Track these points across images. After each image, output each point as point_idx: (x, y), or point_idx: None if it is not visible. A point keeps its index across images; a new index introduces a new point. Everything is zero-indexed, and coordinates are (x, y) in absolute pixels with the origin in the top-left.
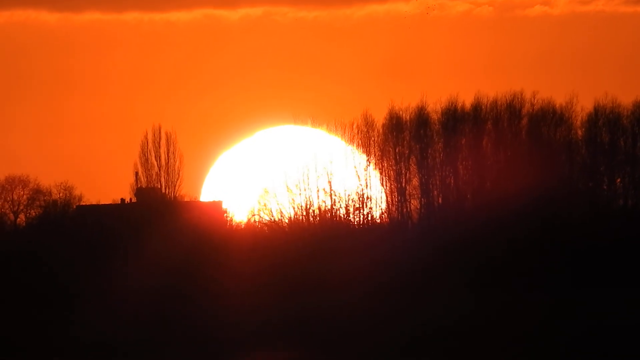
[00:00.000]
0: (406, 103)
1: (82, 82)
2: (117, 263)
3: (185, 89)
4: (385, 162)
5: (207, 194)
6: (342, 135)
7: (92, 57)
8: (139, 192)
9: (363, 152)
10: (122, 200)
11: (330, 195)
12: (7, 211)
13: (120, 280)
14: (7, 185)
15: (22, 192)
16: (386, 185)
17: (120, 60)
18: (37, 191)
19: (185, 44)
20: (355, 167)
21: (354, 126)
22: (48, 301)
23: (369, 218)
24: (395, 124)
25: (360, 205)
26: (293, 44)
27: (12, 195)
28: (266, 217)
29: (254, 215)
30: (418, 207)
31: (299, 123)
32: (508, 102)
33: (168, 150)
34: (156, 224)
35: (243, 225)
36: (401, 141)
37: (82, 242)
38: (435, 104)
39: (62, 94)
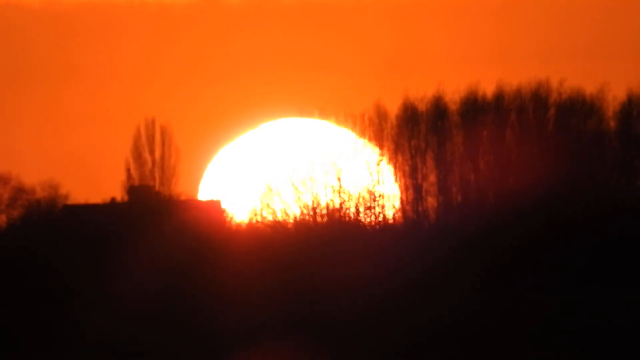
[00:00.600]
0: (422, 92)
1: (68, 72)
2: (108, 267)
3: (182, 79)
4: (399, 156)
5: (205, 192)
6: (352, 128)
7: (79, 45)
8: (131, 190)
9: (375, 145)
10: (113, 199)
11: (339, 192)
12: None
13: (111, 285)
14: None
15: (2, 191)
16: (400, 182)
17: (110, 48)
18: (20, 190)
19: (182, 30)
20: (366, 162)
21: (365, 118)
22: (32, 309)
23: (382, 218)
24: (410, 115)
25: (372, 204)
26: (300, 29)
27: None
28: (269, 217)
29: (255, 215)
30: (435, 205)
31: (305, 115)
32: (533, 91)
33: (163, 144)
34: (150, 225)
35: (244, 226)
36: (417, 134)
37: (69, 244)
38: (453, 94)
39: (47, 85)
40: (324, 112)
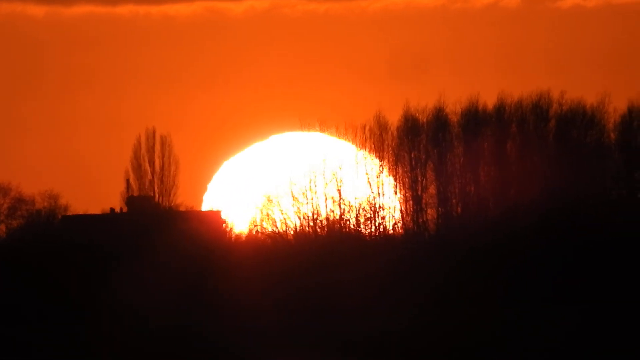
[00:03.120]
0: (423, 104)
1: (69, 81)
2: (107, 278)
3: (183, 90)
4: (399, 168)
5: (208, 203)
6: (352, 139)
7: (83, 54)
8: (130, 201)
9: (375, 157)
10: (112, 210)
11: (340, 204)
12: None
13: (110, 296)
14: None
15: (2, 201)
16: (400, 193)
17: (112, 57)
18: (19, 200)
19: (184, 40)
20: (366, 173)
21: (366, 129)
22: (31, 320)
23: (382, 229)
24: (410, 126)
25: (372, 215)
26: (302, 39)
27: None
28: (269, 228)
29: (255, 225)
30: (435, 217)
31: (305, 127)
32: (534, 102)
33: (163, 155)
34: (149, 236)
35: (244, 237)
36: (417, 145)
37: (68, 255)
38: (454, 105)
39: (48, 94)
40: (325, 124)
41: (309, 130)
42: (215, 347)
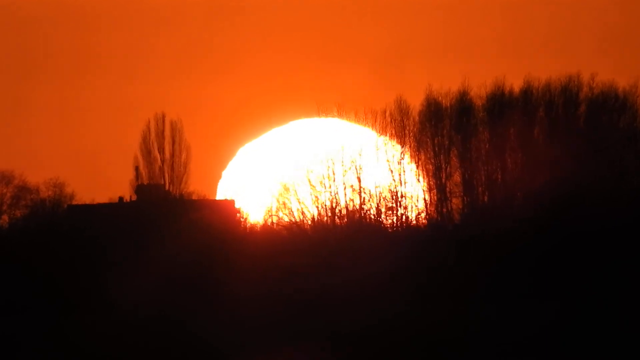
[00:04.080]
0: (446, 87)
1: (75, 65)
2: (114, 270)
3: (195, 74)
4: (422, 154)
5: (222, 191)
6: (372, 125)
7: (85, 35)
8: (139, 189)
9: (397, 143)
10: (121, 198)
11: (360, 192)
12: None
13: (117, 288)
14: None
15: (5, 190)
16: (423, 182)
17: (118, 38)
18: (23, 188)
19: (194, 20)
20: (387, 160)
21: (386, 114)
22: (35, 312)
23: (404, 219)
24: (433, 111)
25: (394, 205)
26: (320, 23)
27: None
28: (285, 218)
29: (271, 215)
30: (460, 206)
31: (323, 112)
32: (563, 85)
33: (173, 141)
34: (159, 226)
35: (259, 227)
36: (440, 131)
37: (74, 246)
38: (479, 88)
39: (53, 78)
40: (343, 109)
41: (326, 116)
42: (224, 345)
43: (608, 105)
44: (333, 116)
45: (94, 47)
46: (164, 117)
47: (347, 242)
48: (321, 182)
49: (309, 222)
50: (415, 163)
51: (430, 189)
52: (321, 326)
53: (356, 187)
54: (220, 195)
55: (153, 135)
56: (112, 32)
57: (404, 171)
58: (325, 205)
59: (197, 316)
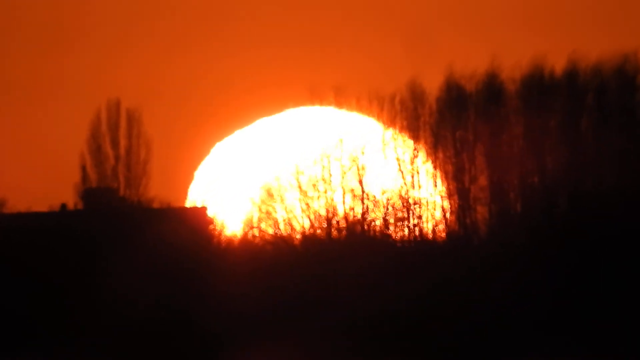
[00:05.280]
0: (471, 68)
1: (3, 39)
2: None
3: (157, 49)
4: (440, 152)
5: (195, 197)
6: (378, 114)
7: (25, 6)
8: (87, 194)
9: (409, 137)
10: (63, 206)
11: (362, 199)
12: None
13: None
14: None
15: None
16: (442, 186)
17: (63, 10)
18: None
19: None
20: (397, 159)
21: (396, 100)
22: None
23: (417, 232)
24: (455, 97)
25: (405, 214)
26: None
27: None
28: (269, 230)
29: (252, 227)
30: (487, 216)
31: (317, 98)
32: (617, 66)
33: (130, 135)
34: (111, 240)
35: (237, 241)
36: (464, 122)
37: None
38: (512, 70)
39: None
40: (342, 94)
41: (321, 103)
42: None
43: None
44: (329, 103)
45: (33, 20)
46: (118, 104)
47: (346, 260)
48: (314, 186)
49: (299, 236)
50: (432, 162)
51: (450, 195)
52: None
53: (358, 192)
54: (191, 202)
55: (104, 126)
56: (62, 3)
57: (418, 172)
58: (319, 215)
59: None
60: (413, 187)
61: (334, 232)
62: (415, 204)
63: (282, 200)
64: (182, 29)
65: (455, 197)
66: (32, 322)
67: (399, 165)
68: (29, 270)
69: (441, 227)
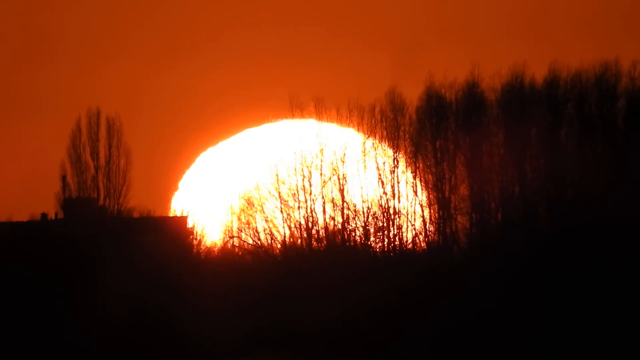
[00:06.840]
0: (451, 76)
1: None
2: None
3: (139, 57)
4: (420, 161)
5: (178, 207)
6: (358, 124)
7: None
8: (67, 204)
9: (389, 147)
10: (44, 216)
11: (342, 209)
12: None
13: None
14: None
15: None
16: (422, 195)
17: (44, 20)
18: None
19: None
20: (377, 168)
21: (376, 110)
22: None
23: (397, 242)
24: (435, 106)
25: (385, 224)
26: (289, 9)
27: None
28: (249, 240)
29: (232, 237)
30: (468, 226)
31: (297, 109)
32: (597, 75)
33: (110, 144)
34: (91, 251)
35: (216, 251)
36: (444, 132)
37: None
38: (492, 79)
39: None
40: (322, 105)
41: (301, 115)
42: None
43: None
44: (310, 114)
45: (12, 27)
46: (98, 113)
47: (326, 270)
48: (294, 196)
49: (279, 246)
50: (412, 172)
51: (430, 205)
52: None
53: (338, 201)
54: (173, 212)
55: (85, 136)
56: (43, 9)
57: (398, 182)
58: (300, 225)
59: None
60: (393, 196)
61: (314, 243)
62: (395, 213)
63: (262, 209)
64: (166, 41)
65: (436, 206)
66: (12, 328)
67: (379, 174)
68: (9, 277)
69: (421, 237)
